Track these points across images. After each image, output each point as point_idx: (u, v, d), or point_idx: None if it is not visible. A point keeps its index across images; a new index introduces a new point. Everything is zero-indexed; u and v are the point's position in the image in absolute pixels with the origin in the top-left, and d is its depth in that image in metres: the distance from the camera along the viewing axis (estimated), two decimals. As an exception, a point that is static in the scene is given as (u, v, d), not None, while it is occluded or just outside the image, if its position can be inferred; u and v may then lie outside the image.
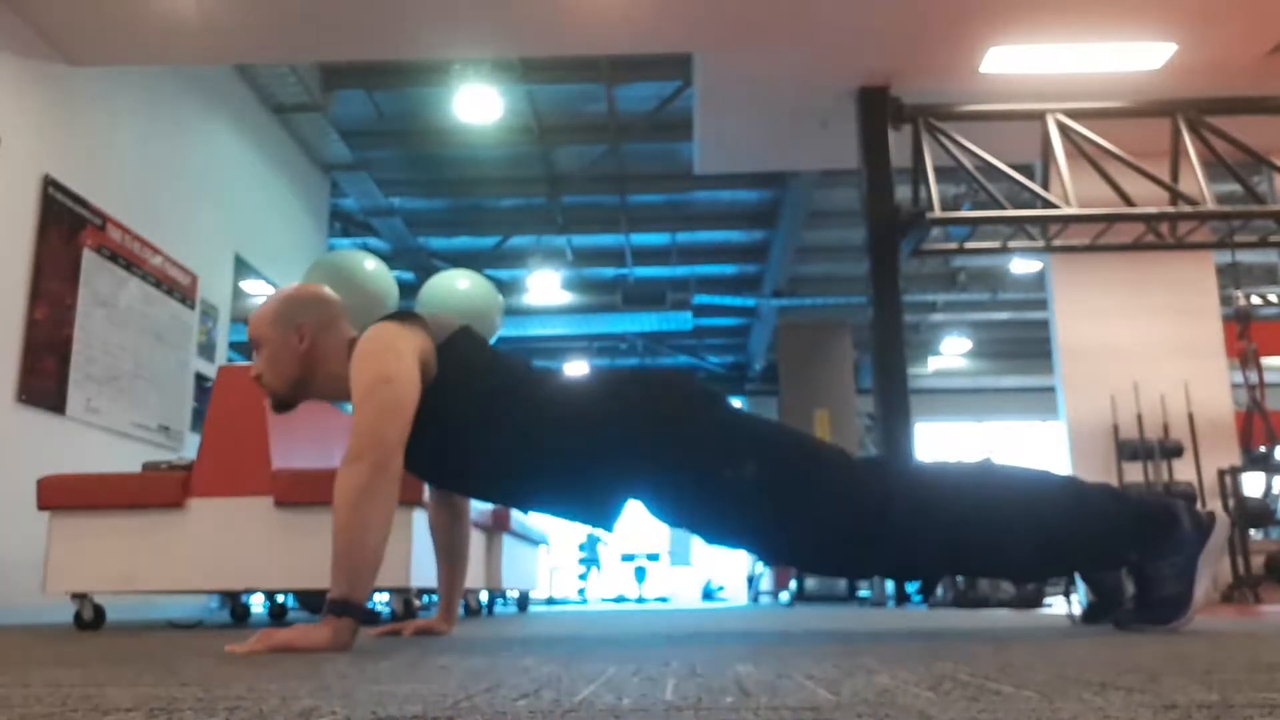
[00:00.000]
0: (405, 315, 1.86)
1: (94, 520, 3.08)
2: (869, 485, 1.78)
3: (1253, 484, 6.11)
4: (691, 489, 1.80)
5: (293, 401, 1.91)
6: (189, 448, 6.09)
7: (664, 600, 14.36)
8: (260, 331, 1.88)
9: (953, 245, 6.25)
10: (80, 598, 3.08)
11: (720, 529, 1.86)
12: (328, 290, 1.95)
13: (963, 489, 1.80)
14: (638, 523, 1.93)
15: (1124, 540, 1.79)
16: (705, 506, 1.82)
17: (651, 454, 1.79)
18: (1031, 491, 1.82)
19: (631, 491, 1.84)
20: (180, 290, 6.19)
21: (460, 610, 4.13)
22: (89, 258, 5.27)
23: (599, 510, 1.88)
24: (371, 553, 1.61)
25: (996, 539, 1.79)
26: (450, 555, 2.26)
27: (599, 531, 1.94)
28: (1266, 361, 6.40)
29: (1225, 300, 6.61)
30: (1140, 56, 5.37)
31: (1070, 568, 1.95)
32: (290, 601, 5.09)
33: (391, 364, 1.74)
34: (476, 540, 3.79)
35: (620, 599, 14.36)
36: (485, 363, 1.87)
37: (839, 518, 1.76)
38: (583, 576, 15.08)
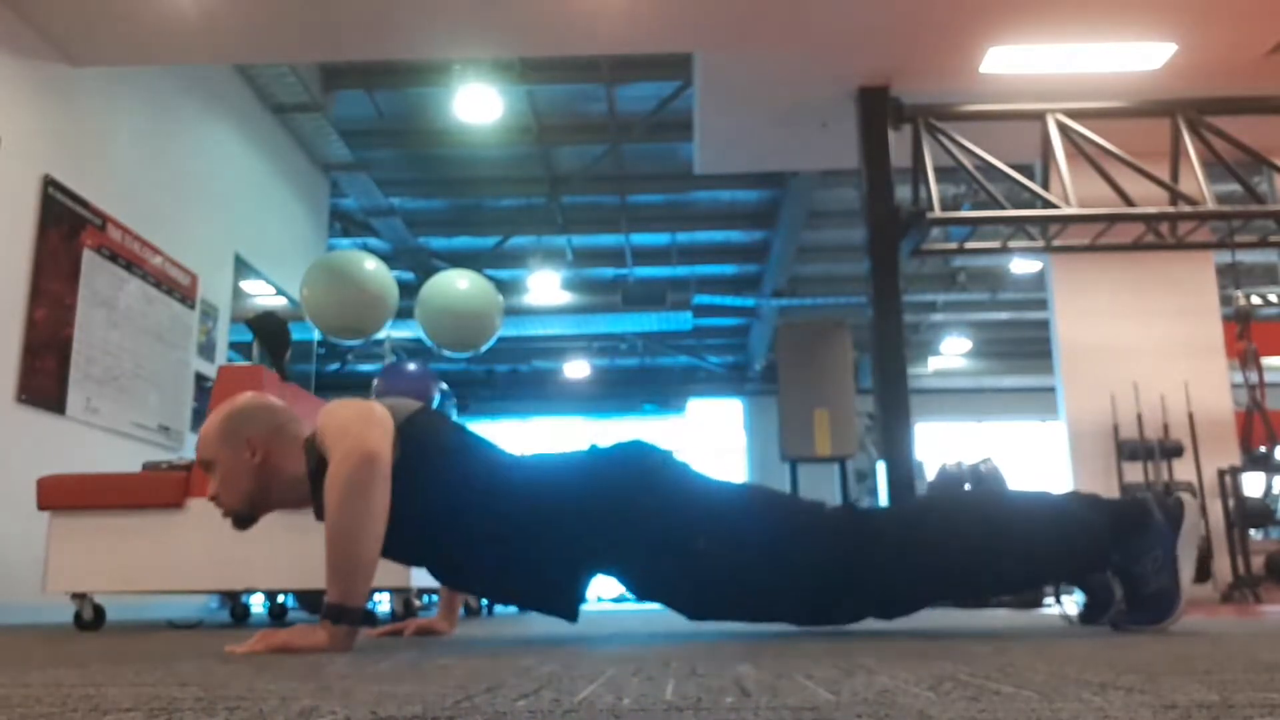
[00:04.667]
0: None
1: (94, 520, 3.08)
2: (847, 537, 1.78)
3: (1253, 484, 6.11)
4: (663, 565, 1.78)
5: (254, 517, 1.84)
6: (189, 448, 6.10)
7: (664, 600, 14.33)
8: (209, 453, 1.80)
9: (953, 245, 6.25)
10: (80, 598, 3.08)
11: (705, 600, 1.84)
12: (269, 397, 1.88)
13: (942, 527, 1.82)
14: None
15: (1104, 545, 1.80)
16: (686, 580, 1.80)
17: (615, 534, 1.77)
18: (1011, 514, 1.83)
19: (600, 571, 1.83)
20: (180, 290, 6.19)
21: (460, 610, 4.13)
22: (89, 258, 5.27)
23: (562, 604, 1.85)
24: (367, 552, 1.59)
25: (984, 565, 1.81)
26: (450, 555, 2.25)
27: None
28: (1266, 361, 6.40)
29: (1225, 300, 6.61)
30: (1140, 56, 5.37)
31: (1056, 579, 1.97)
32: (290, 601, 5.09)
33: (364, 411, 1.71)
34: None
35: (620, 599, 14.35)
36: (445, 442, 1.82)
37: (821, 575, 1.77)
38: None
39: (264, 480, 1.80)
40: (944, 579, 1.81)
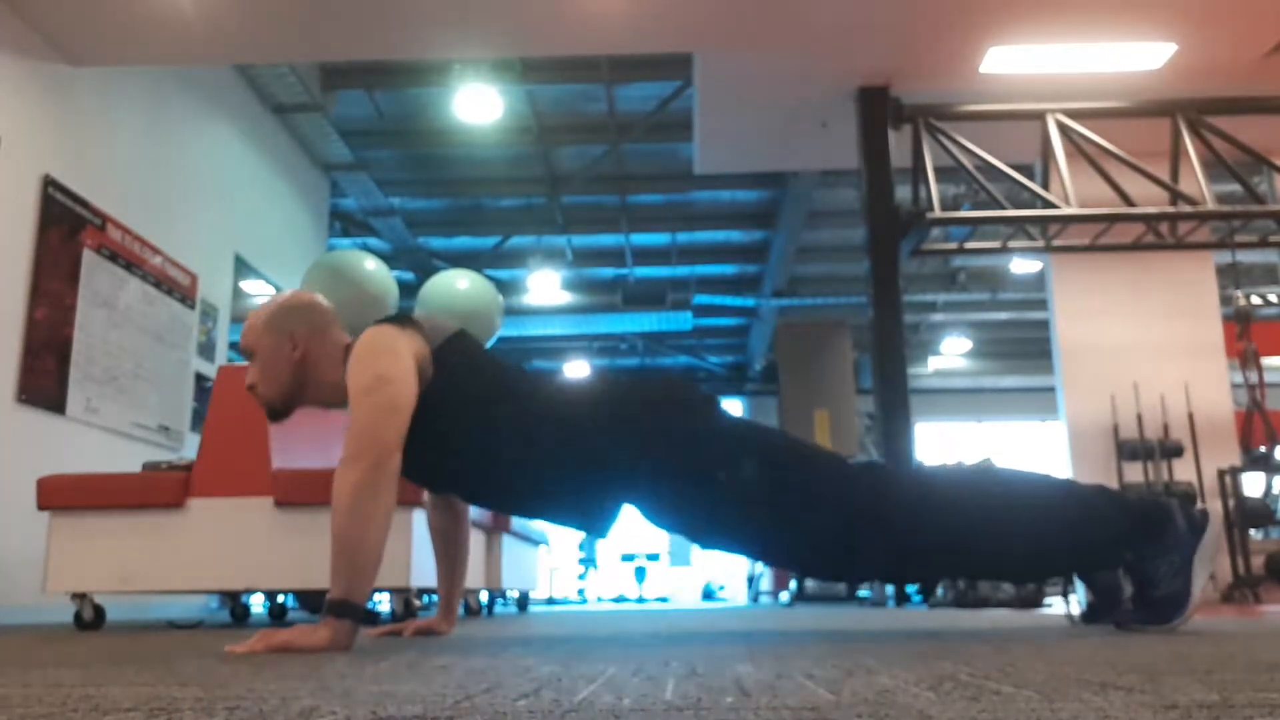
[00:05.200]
0: (401, 318, 1.86)
1: (94, 520, 3.08)
2: (864, 489, 1.79)
3: (1253, 484, 6.11)
4: (686, 493, 1.80)
5: (287, 410, 1.89)
6: (189, 448, 6.09)
7: (664, 600, 14.36)
8: (252, 340, 1.86)
9: (953, 245, 6.26)
10: (80, 598, 3.08)
11: (715, 533, 1.86)
12: (320, 298, 1.95)
13: (959, 492, 1.81)
14: (637, 524, 1.92)
15: (1120, 541, 1.80)
16: (700, 511, 1.82)
17: (646, 459, 1.79)
18: (1029, 494, 1.82)
19: (627, 496, 1.84)
20: (180, 290, 6.19)
21: (460, 610, 4.13)
22: (89, 258, 5.27)
23: (594, 516, 1.87)
24: (371, 553, 1.61)
25: (993, 542, 1.79)
26: (449, 555, 2.26)
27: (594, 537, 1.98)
28: (1266, 361, 6.40)
29: (1225, 300, 6.61)
30: (1140, 56, 5.37)
31: (1068, 568, 1.96)
32: (290, 601, 5.09)
33: (388, 364, 1.74)
34: (476, 540, 3.79)
35: (620, 599, 14.36)
36: (481, 366, 1.86)
37: (834, 521, 1.77)
38: (582, 576, 15.09)
39: (301, 376, 1.87)
40: (953, 546, 1.79)
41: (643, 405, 1.83)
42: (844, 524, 1.76)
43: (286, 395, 1.87)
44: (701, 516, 1.83)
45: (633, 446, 1.79)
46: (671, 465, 1.78)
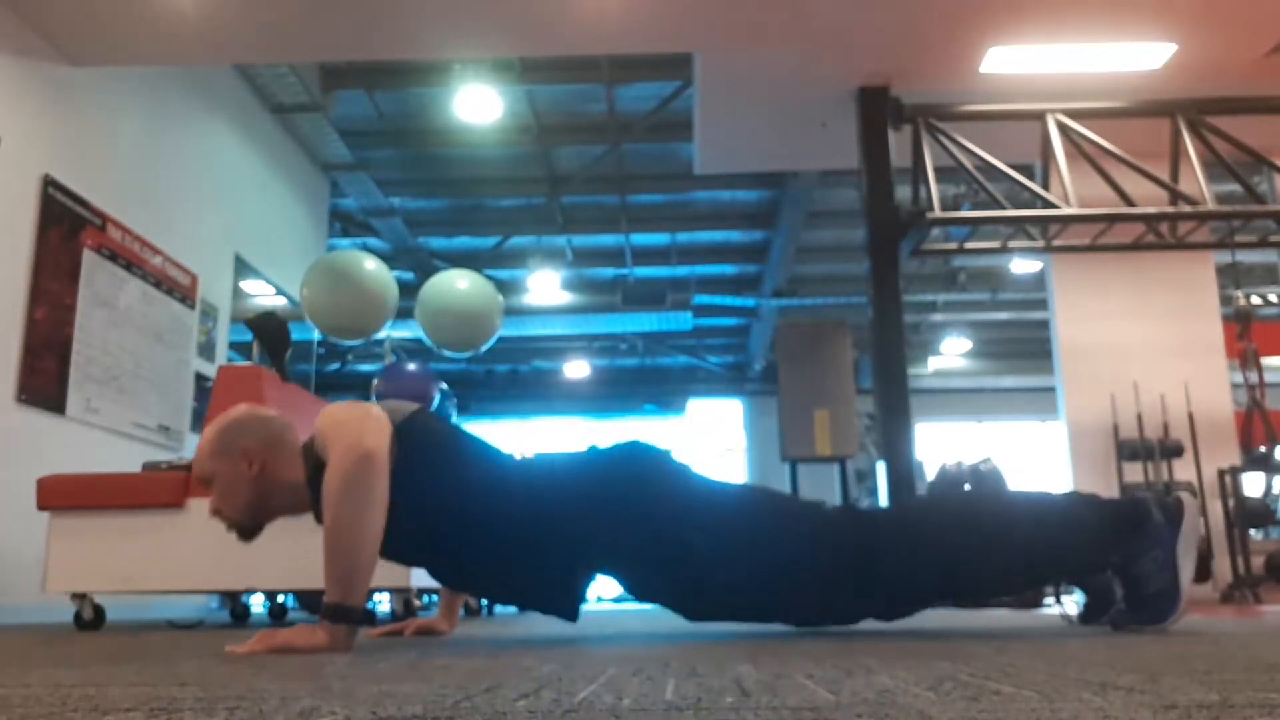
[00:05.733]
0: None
1: (94, 520, 3.08)
2: (848, 536, 1.78)
3: (1253, 484, 6.11)
4: (664, 565, 1.78)
5: (257, 527, 1.84)
6: (189, 448, 6.10)
7: (664, 600, 14.33)
8: (206, 468, 1.80)
9: (953, 245, 6.25)
10: (80, 598, 3.08)
11: (700, 602, 1.84)
12: (264, 409, 1.90)
13: (945, 523, 1.81)
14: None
15: (1104, 545, 1.80)
16: (681, 581, 1.79)
17: (613, 534, 1.77)
18: (1012, 519, 1.83)
19: (598, 571, 1.82)
20: (180, 290, 6.19)
21: (460, 610, 4.13)
22: (89, 258, 5.27)
23: (562, 603, 1.85)
24: (365, 553, 1.59)
25: (983, 570, 1.81)
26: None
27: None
28: (1266, 361, 6.40)
29: (1225, 300, 6.61)
30: (1140, 56, 5.37)
31: (1057, 578, 1.97)
32: (290, 601, 5.09)
33: (361, 411, 1.72)
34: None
35: (620, 599, 14.35)
36: (443, 442, 1.82)
37: (825, 567, 1.76)
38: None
39: (263, 490, 1.80)
40: (944, 580, 1.81)
41: (605, 478, 1.79)
42: (835, 568, 1.76)
43: (252, 513, 1.81)
44: (684, 587, 1.81)
45: (600, 522, 1.77)
46: (643, 537, 1.76)
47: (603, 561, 1.81)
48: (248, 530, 1.83)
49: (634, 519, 1.76)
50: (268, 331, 3.59)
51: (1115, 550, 1.80)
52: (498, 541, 1.80)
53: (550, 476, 1.82)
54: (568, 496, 1.79)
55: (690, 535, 1.74)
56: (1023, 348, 14.02)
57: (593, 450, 1.87)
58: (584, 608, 1.88)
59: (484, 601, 5.25)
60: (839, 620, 1.88)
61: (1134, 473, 6.13)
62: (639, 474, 1.80)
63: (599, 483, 1.79)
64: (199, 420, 6.21)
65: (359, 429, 1.65)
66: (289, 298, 7.58)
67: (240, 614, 4.07)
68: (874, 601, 1.82)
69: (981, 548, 1.79)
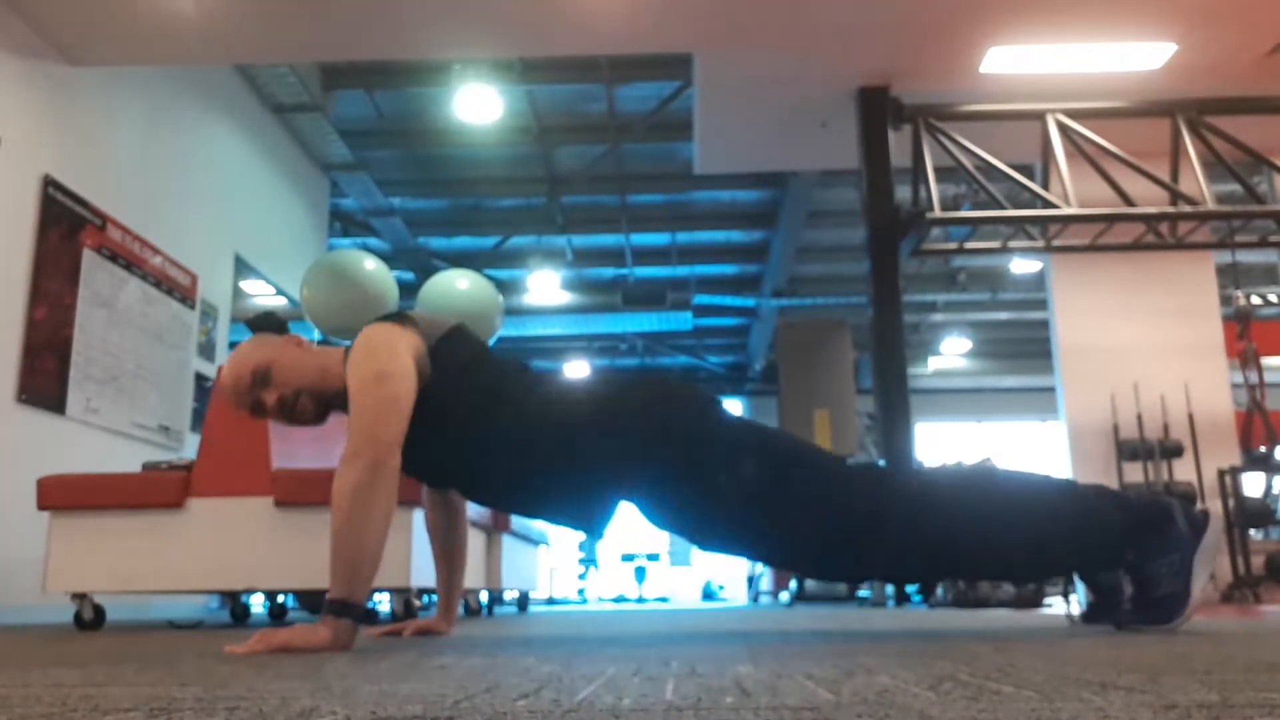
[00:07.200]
0: (399, 315, 1.85)
1: (94, 520, 3.08)
2: (866, 491, 1.79)
3: (1253, 484, 6.11)
4: (686, 495, 1.80)
5: (326, 408, 1.88)
6: (189, 448, 6.10)
7: (664, 600, 14.36)
8: (263, 360, 1.83)
9: (953, 245, 6.25)
10: (80, 598, 3.08)
11: (715, 534, 1.86)
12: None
13: (960, 494, 1.80)
14: (637, 523, 1.92)
15: (1121, 541, 1.79)
16: (700, 512, 1.81)
17: (646, 459, 1.79)
18: (1030, 496, 1.82)
19: (625, 495, 1.84)
20: (180, 290, 6.19)
21: (460, 610, 4.13)
22: (89, 258, 5.27)
23: (590, 516, 1.87)
24: (370, 552, 1.61)
25: (994, 542, 1.79)
26: (448, 555, 2.26)
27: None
28: (1266, 361, 6.40)
29: (1225, 300, 6.61)
30: (1140, 56, 5.37)
31: (1068, 569, 1.96)
32: (290, 601, 5.09)
33: (387, 360, 1.74)
34: (476, 540, 3.79)
35: (620, 599, 14.35)
36: (479, 362, 1.86)
37: (836, 522, 1.76)
38: (582, 576, 15.08)
39: (320, 363, 1.86)
40: (953, 547, 1.79)
41: (643, 405, 1.82)
42: (846, 525, 1.76)
43: (321, 381, 1.85)
44: (702, 518, 1.83)
45: (632, 447, 1.79)
46: (671, 467, 1.78)
47: (628, 481, 1.82)
48: (320, 411, 1.87)
49: (662, 444, 1.78)
50: (267, 331, 3.60)
51: (1130, 548, 1.79)
52: (529, 454, 1.82)
53: (586, 395, 1.85)
54: (602, 415, 1.81)
55: (715, 467, 1.76)
56: (1023, 348, 14.03)
57: (632, 375, 1.90)
58: (608, 525, 1.89)
59: (484, 601, 5.25)
60: (843, 575, 1.89)
61: (1134, 473, 6.13)
62: (672, 402, 1.83)
63: (634, 405, 1.82)
64: (199, 420, 6.20)
65: (375, 416, 1.67)
66: (289, 298, 7.58)
67: (240, 614, 4.07)
68: (880, 560, 1.81)
69: (991, 522, 1.77)
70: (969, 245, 6.10)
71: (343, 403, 1.85)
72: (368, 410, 1.69)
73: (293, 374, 1.83)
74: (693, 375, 15.15)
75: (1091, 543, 1.80)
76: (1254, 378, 6.07)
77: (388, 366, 1.73)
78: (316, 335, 7.50)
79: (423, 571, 2.98)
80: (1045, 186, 5.66)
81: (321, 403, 1.87)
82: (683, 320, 10.80)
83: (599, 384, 1.87)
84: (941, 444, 15.03)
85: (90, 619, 3.09)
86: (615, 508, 1.86)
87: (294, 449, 3.24)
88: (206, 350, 6.50)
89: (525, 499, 1.94)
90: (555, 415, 1.82)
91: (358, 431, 1.66)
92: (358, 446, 1.64)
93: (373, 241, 10.40)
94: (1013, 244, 5.90)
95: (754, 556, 1.91)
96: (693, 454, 1.77)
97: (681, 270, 11.72)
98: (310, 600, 4.65)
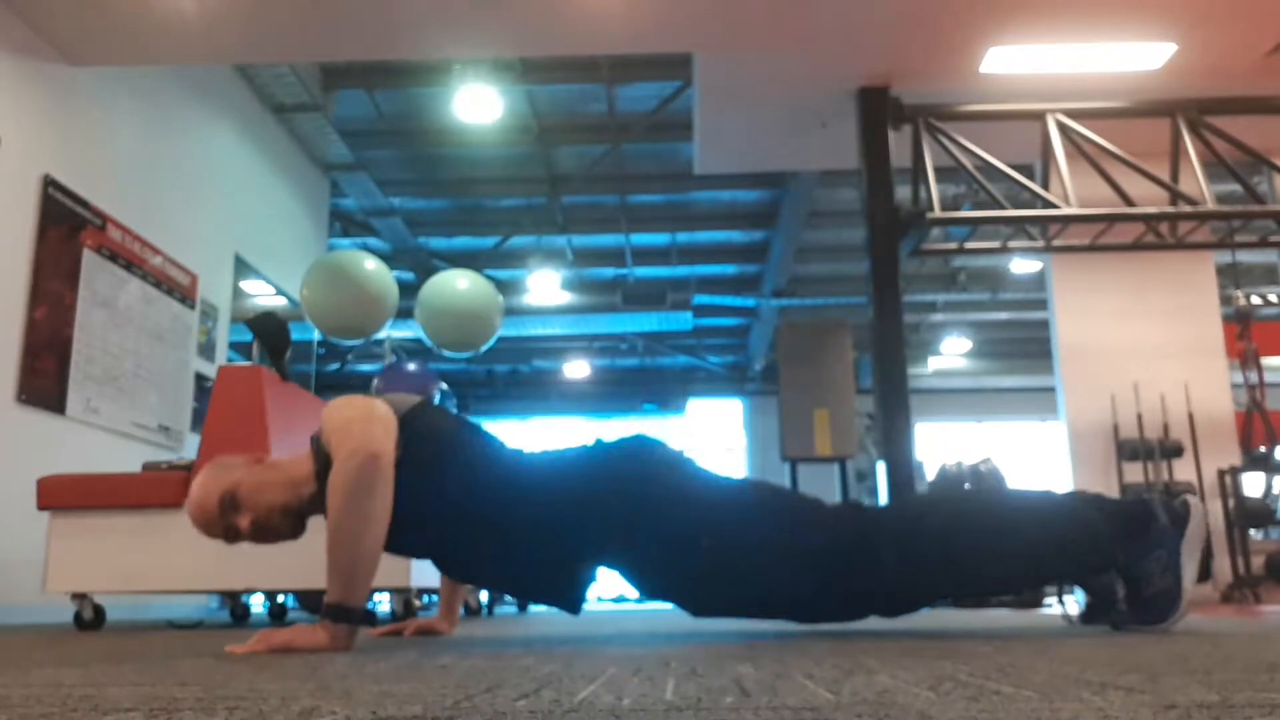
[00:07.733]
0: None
1: (94, 520, 3.08)
2: (848, 519, 1.78)
3: (1253, 484, 6.11)
4: (669, 561, 1.77)
5: (300, 521, 1.80)
6: (189, 448, 6.10)
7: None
8: (228, 486, 1.74)
9: (953, 245, 6.25)
10: (80, 598, 3.08)
11: (705, 598, 1.83)
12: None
13: (946, 524, 1.81)
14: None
15: (1109, 545, 1.80)
16: (686, 575, 1.79)
17: (618, 529, 1.76)
18: (1017, 518, 1.82)
19: (603, 564, 1.82)
20: (180, 290, 6.19)
21: (460, 610, 4.13)
22: (89, 258, 5.27)
23: (563, 591, 1.84)
24: (367, 554, 1.59)
25: (986, 569, 1.80)
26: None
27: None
28: (1266, 361, 6.40)
29: (1225, 300, 6.61)
30: (1140, 56, 5.37)
31: (1060, 578, 1.97)
32: (290, 601, 5.09)
33: (367, 407, 1.72)
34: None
35: (620, 599, 14.35)
36: (448, 435, 1.81)
37: (828, 560, 1.75)
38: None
39: (288, 478, 1.77)
40: (947, 577, 1.80)
41: (611, 473, 1.78)
42: (835, 571, 1.75)
43: (284, 506, 1.76)
44: (688, 583, 1.80)
45: (606, 516, 1.76)
46: (648, 532, 1.75)
47: (607, 555, 1.81)
48: (296, 524, 1.79)
49: (639, 513, 1.75)
50: (268, 331, 3.59)
51: (1120, 551, 1.80)
52: (502, 533, 1.80)
53: (556, 469, 1.82)
54: (574, 490, 1.78)
55: (695, 531, 1.74)
56: (1023, 348, 14.02)
57: (599, 443, 1.86)
58: (586, 603, 1.88)
59: (484, 601, 5.25)
60: (841, 616, 1.87)
61: (1134, 473, 6.13)
62: (644, 468, 1.80)
63: (605, 476, 1.79)
64: (199, 420, 6.21)
65: (365, 430, 1.65)
66: (289, 298, 7.58)
67: (240, 614, 4.07)
68: (875, 599, 1.82)
69: (983, 547, 1.78)
70: (969, 245, 6.10)
71: (319, 506, 1.76)
72: (353, 421, 1.67)
73: (261, 494, 1.75)
74: (692, 375, 15.16)
75: (1082, 550, 1.81)
76: (1254, 378, 6.07)
77: (370, 410, 1.71)
78: (316, 335, 7.50)
79: (423, 571, 2.98)
80: (1045, 186, 5.66)
81: (297, 515, 1.79)
82: (683, 320, 10.80)
83: (567, 456, 1.84)
84: (941, 444, 15.03)
85: (90, 619, 3.09)
86: (588, 583, 1.84)
87: (294, 449, 3.24)
88: (206, 350, 6.50)
89: (500, 579, 1.94)
90: (526, 493, 1.78)
91: (348, 438, 1.63)
92: (350, 449, 1.61)
93: (373, 241, 10.41)
94: (1013, 244, 5.90)
95: (753, 615, 1.88)
96: (666, 519, 1.75)
97: (681, 270, 11.72)
98: (310, 600, 4.65)
